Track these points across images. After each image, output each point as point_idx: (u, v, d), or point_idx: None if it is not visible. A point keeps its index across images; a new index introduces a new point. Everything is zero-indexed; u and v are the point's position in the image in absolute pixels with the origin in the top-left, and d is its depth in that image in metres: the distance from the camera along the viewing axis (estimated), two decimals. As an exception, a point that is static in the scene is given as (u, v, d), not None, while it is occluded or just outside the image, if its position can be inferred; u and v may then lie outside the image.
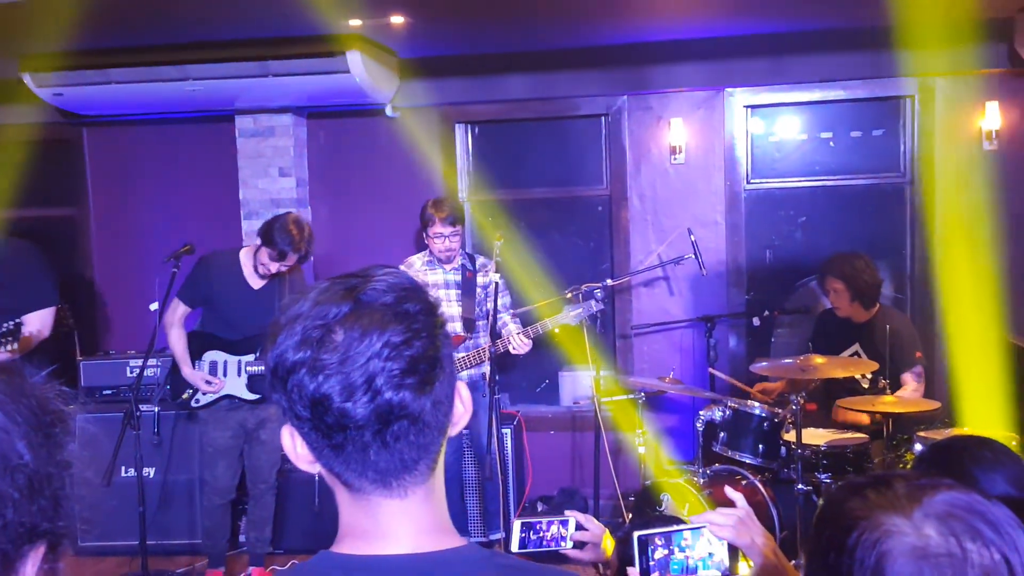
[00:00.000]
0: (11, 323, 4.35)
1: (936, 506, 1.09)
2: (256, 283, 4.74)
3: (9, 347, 4.39)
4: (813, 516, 1.22)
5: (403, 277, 1.15)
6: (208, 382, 4.68)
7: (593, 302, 4.78)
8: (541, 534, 2.05)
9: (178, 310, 4.74)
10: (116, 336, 6.37)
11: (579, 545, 2.06)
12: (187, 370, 4.71)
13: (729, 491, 2.04)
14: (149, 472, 5.26)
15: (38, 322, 4.48)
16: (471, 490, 5.34)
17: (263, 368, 4.58)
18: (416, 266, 5.08)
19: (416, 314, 1.11)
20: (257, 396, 4.69)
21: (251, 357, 4.71)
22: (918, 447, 4.13)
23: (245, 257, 4.78)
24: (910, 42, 5.38)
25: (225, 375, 4.72)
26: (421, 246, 5.23)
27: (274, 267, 4.60)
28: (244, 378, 4.72)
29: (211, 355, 4.76)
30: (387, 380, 1.06)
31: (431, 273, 5.06)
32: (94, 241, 6.43)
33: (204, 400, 4.71)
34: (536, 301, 5.16)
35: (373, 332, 1.07)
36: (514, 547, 2.04)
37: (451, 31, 5.22)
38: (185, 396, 4.71)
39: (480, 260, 5.15)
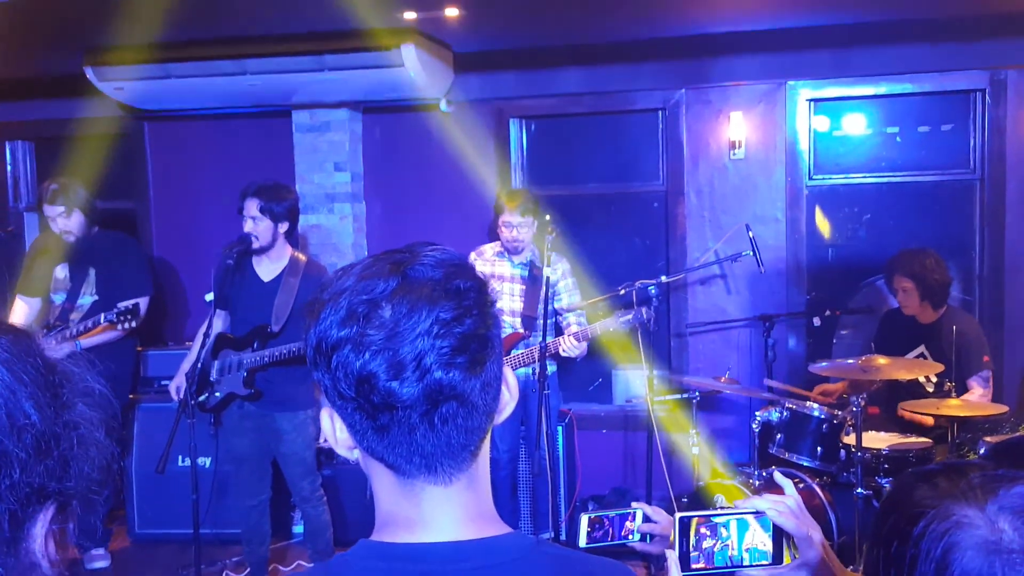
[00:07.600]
0: (130, 303, 4.53)
1: (1013, 499, 1.01)
2: (267, 275, 4.53)
3: (128, 325, 4.57)
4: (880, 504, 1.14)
5: (451, 253, 1.10)
6: (178, 388, 4.56)
7: (644, 309, 4.59)
8: (608, 528, 2.00)
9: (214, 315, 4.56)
10: (175, 327, 6.46)
11: (646, 537, 2.00)
12: (185, 365, 4.54)
13: (778, 476, 1.91)
14: (205, 462, 5.29)
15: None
16: (524, 488, 5.29)
17: (260, 359, 4.38)
18: (487, 255, 5.11)
19: (466, 291, 1.05)
20: (249, 391, 4.43)
21: (249, 351, 4.45)
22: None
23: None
24: (981, 34, 5.21)
25: (229, 373, 4.49)
26: (474, 240, 5.18)
27: (247, 226, 4.42)
28: (243, 373, 4.45)
29: (223, 354, 4.53)
30: (437, 358, 1.01)
31: (499, 264, 5.05)
32: (154, 234, 6.53)
33: (213, 402, 4.51)
34: (589, 298, 5.08)
35: (422, 308, 1.02)
36: (581, 542, 1.99)
37: (506, 24, 5.17)
38: (202, 398, 4.49)
39: (553, 258, 4.88)
